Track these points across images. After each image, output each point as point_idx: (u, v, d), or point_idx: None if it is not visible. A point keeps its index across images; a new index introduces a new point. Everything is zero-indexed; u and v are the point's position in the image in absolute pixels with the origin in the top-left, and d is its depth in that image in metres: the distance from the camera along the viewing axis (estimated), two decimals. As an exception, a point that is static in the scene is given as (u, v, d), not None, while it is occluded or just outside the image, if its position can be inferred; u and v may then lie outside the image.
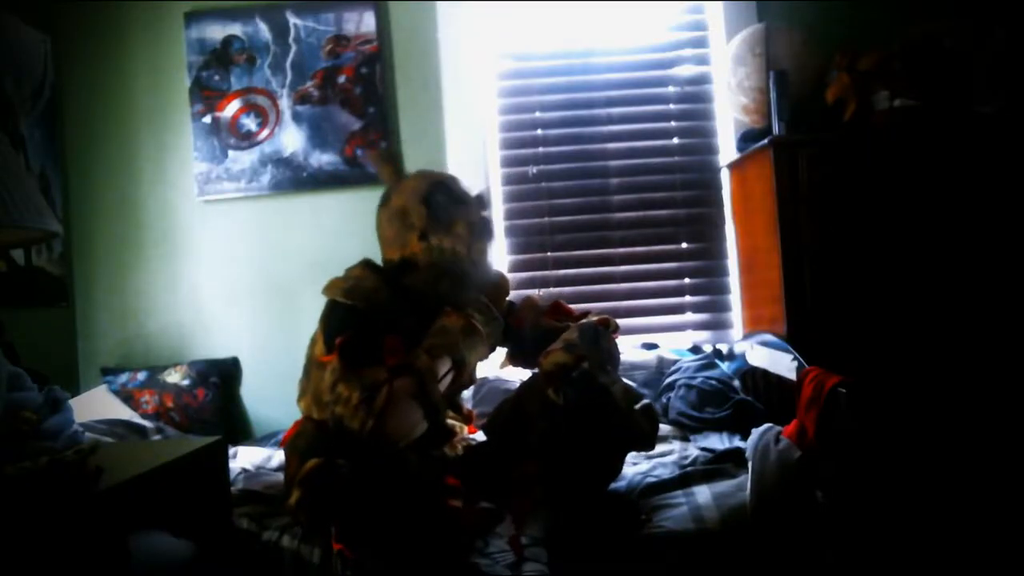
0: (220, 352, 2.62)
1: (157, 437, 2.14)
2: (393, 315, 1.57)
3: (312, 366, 1.59)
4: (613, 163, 2.69)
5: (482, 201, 1.74)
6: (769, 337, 2.15)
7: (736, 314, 2.63)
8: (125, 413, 2.25)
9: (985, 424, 1.94)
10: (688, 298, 2.68)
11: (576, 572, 1.49)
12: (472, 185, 1.78)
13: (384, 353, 1.49)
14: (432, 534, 1.46)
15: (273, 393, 2.57)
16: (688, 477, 1.73)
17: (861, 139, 2.15)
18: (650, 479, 1.73)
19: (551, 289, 2.66)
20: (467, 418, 1.89)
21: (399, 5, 2.66)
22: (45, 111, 2.52)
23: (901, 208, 2.10)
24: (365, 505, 1.41)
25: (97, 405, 2.24)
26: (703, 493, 1.65)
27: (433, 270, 1.61)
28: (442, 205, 1.63)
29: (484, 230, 1.69)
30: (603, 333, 1.71)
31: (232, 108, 2.64)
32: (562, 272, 2.67)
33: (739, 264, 2.58)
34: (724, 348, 2.52)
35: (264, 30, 2.65)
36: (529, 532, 1.50)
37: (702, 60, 2.72)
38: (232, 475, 1.85)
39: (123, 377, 2.48)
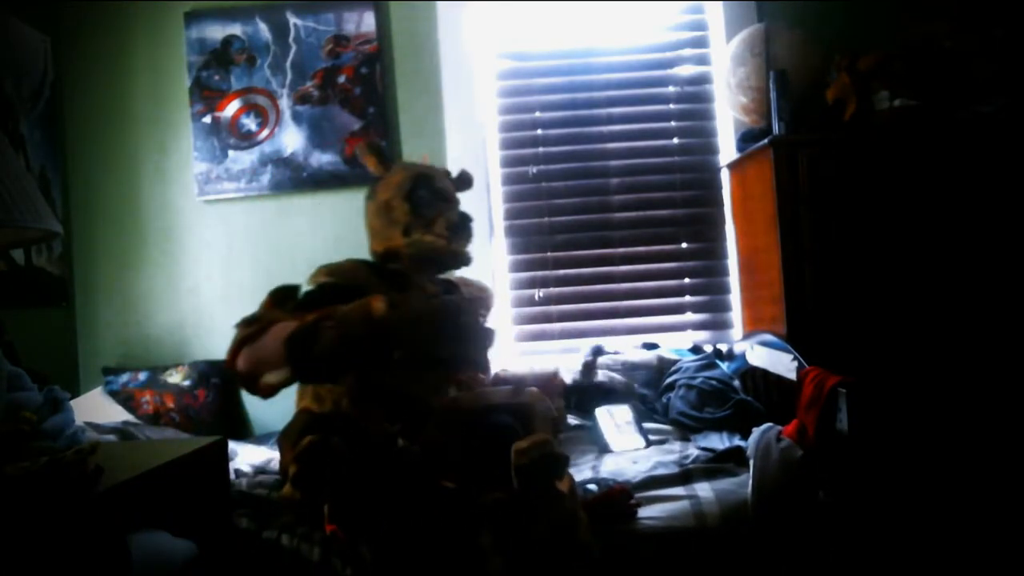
0: (221, 352, 2.54)
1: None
2: (369, 291, 1.46)
3: None
4: (613, 163, 2.69)
5: (465, 181, 1.77)
6: (769, 337, 2.15)
7: (736, 314, 2.63)
8: (123, 415, 2.25)
9: (986, 423, 1.94)
10: (688, 298, 2.68)
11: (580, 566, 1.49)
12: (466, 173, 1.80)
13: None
14: (426, 515, 1.44)
15: (273, 393, 2.57)
16: (689, 474, 1.73)
17: (861, 139, 2.15)
18: (651, 476, 1.73)
19: (551, 289, 2.66)
20: None
21: (399, 5, 2.66)
22: (45, 111, 2.52)
23: (901, 208, 2.10)
24: (359, 482, 1.39)
25: (94, 407, 2.24)
26: (704, 489, 1.65)
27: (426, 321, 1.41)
28: (425, 201, 1.64)
29: (464, 228, 1.67)
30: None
31: (232, 108, 2.64)
32: (562, 272, 2.67)
33: (739, 264, 2.58)
34: (724, 348, 2.52)
35: (264, 30, 2.65)
36: None
37: (702, 60, 2.72)
38: (233, 476, 1.85)
39: (124, 377, 2.48)
